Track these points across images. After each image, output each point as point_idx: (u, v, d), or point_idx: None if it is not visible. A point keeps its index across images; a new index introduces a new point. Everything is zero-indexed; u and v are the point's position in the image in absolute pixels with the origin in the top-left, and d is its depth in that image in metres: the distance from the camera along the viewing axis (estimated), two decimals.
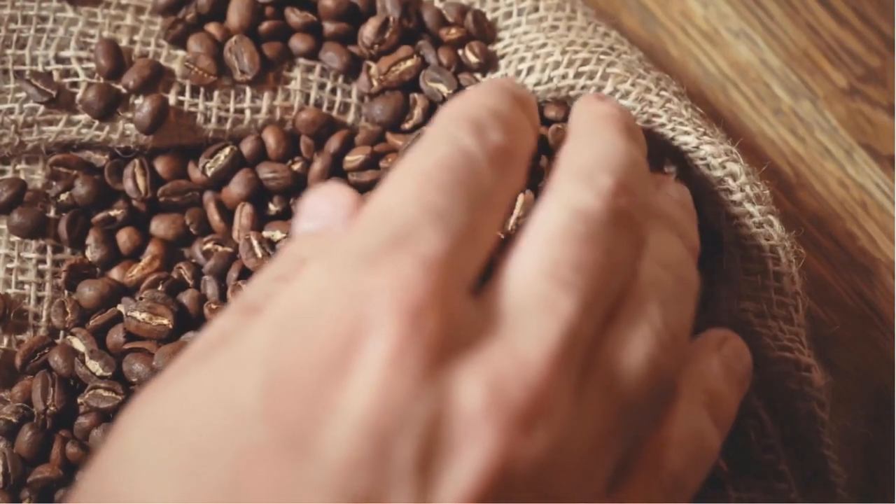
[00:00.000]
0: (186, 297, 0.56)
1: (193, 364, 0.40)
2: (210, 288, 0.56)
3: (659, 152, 0.57)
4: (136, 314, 0.54)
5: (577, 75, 0.58)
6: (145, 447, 0.38)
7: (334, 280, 0.38)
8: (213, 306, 0.55)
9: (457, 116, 0.43)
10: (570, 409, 0.39)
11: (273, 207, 0.58)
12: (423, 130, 0.42)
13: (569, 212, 0.42)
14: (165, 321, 0.54)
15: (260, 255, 0.56)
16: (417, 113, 0.58)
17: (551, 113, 0.59)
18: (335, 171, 0.58)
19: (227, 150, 0.58)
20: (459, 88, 0.58)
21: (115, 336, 0.55)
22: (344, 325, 0.37)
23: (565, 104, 0.59)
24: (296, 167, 0.58)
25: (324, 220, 0.45)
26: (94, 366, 0.54)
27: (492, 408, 0.37)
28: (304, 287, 0.39)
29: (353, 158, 0.58)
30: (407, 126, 0.58)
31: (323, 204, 0.45)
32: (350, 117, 0.60)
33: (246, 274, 0.56)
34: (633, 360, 0.42)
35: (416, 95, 0.58)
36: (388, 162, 0.57)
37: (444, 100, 0.58)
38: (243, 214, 0.58)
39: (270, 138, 0.58)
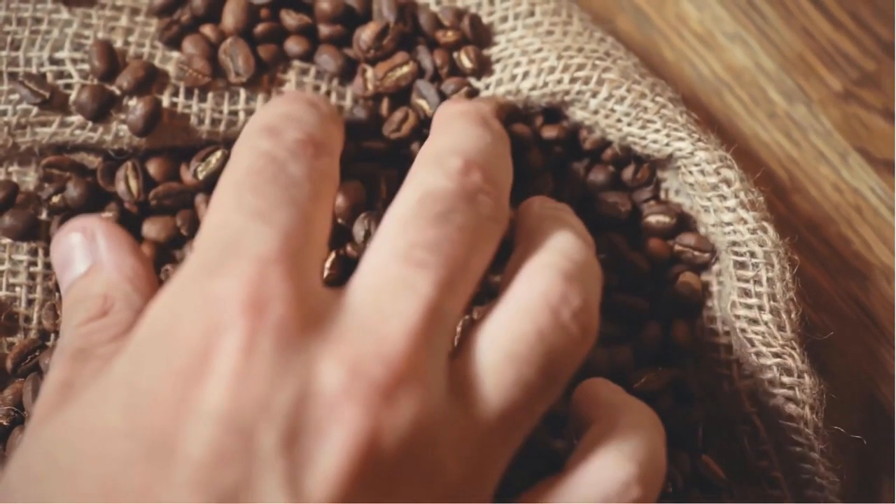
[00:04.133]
0: None
1: (66, 403, 0.42)
2: None
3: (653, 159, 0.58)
4: None
5: (573, 80, 0.58)
6: (24, 480, 0.40)
7: (182, 296, 0.40)
8: None
9: (253, 128, 0.45)
10: (436, 386, 0.40)
11: None
12: None
13: (419, 195, 0.43)
14: None
15: None
16: (406, 128, 0.58)
17: (550, 133, 0.59)
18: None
19: (218, 154, 0.58)
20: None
21: None
22: (197, 332, 0.39)
23: (562, 124, 0.59)
24: None
25: (86, 261, 0.48)
26: None
27: (353, 385, 0.38)
28: (155, 309, 0.41)
29: None
30: (393, 137, 0.58)
31: (76, 246, 0.49)
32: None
33: None
34: (509, 342, 0.42)
35: (408, 110, 0.58)
36: None
37: (426, 117, 0.58)
38: None
39: None
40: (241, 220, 0.42)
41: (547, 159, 0.59)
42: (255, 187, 0.42)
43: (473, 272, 0.43)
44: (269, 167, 0.43)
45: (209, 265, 0.41)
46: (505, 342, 0.42)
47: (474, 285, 0.43)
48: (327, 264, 0.56)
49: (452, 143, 0.46)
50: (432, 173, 0.44)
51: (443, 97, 0.58)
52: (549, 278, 0.44)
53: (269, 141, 0.44)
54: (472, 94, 0.59)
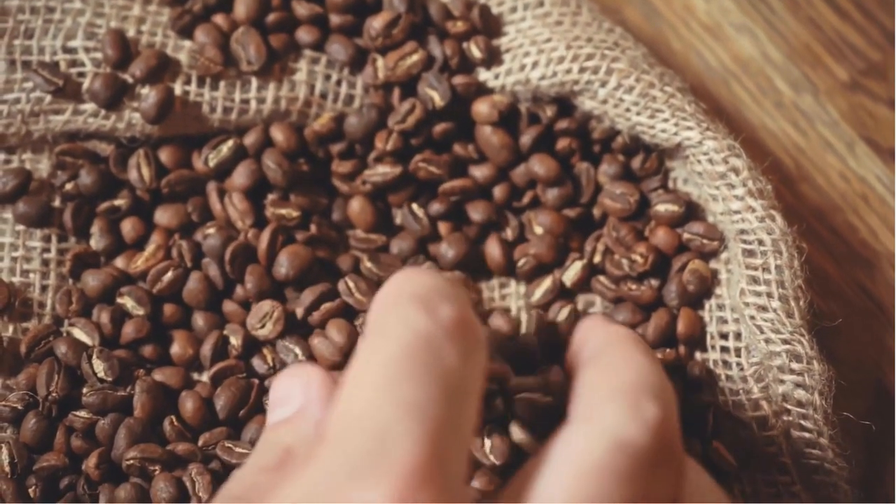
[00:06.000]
0: (192, 281, 0.57)
1: None
2: (212, 269, 0.57)
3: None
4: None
5: (582, 70, 0.58)
6: None
7: (317, 498, 0.36)
8: None
9: (401, 296, 0.40)
10: None
11: (271, 197, 0.59)
12: (372, 310, 0.41)
13: (611, 443, 0.38)
14: None
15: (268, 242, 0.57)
16: (411, 120, 0.58)
17: (548, 113, 0.59)
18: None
19: (230, 143, 0.58)
20: (453, 100, 0.58)
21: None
22: None
23: (557, 104, 0.59)
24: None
25: (297, 403, 0.43)
26: (99, 366, 0.54)
27: None
28: None
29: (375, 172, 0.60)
30: (398, 128, 0.58)
31: (294, 387, 0.44)
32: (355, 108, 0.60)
33: (247, 255, 0.57)
34: None
35: (415, 101, 0.58)
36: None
37: (434, 109, 0.58)
38: (235, 201, 0.58)
39: (279, 135, 0.59)
40: (391, 412, 0.37)
41: (561, 164, 0.59)
42: (409, 373, 0.37)
43: None
44: (425, 350, 0.38)
45: (351, 467, 0.36)
46: None
47: None
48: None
49: (641, 379, 0.40)
50: (627, 418, 0.38)
51: (454, 89, 0.59)
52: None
53: (424, 316, 0.39)
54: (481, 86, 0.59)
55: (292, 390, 0.43)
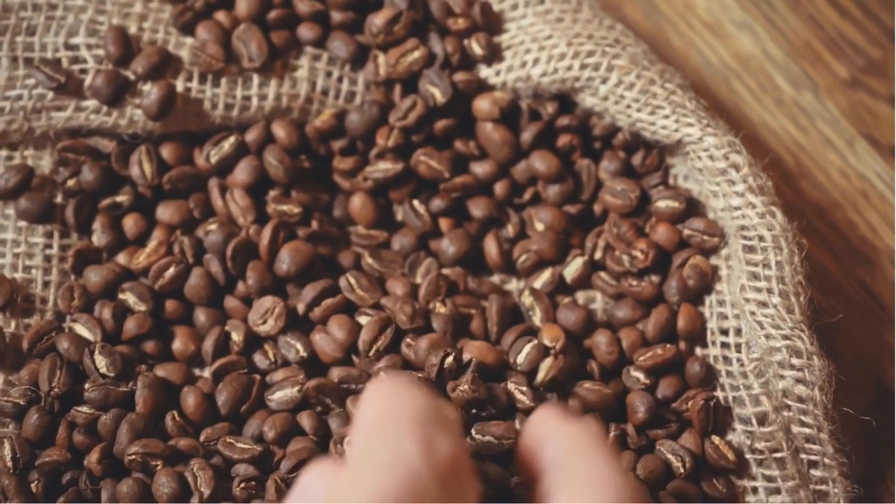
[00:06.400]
0: (193, 277, 0.57)
1: None
2: (214, 265, 0.57)
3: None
4: None
5: (583, 67, 0.58)
6: None
7: None
8: None
9: (396, 419, 0.38)
10: None
11: (273, 193, 0.59)
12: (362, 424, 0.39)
13: None
14: None
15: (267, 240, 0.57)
16: (412, 117, 0.59)
17: (549, 109, 0.59)
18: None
19: (231, 139, 0.59)
20: (454, 97, 0.59)
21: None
22: None
23: (558, 101, 0.60)
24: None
25: (314, 500, 0.40)
26: (101, 362, 0.54)
27: None
28: None
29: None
30: (399, 125, 0.59)
31: (315, 483, 0.40)
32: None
33: (249, 252, 0.57)
34: None
35: (416, 98, 0.59)
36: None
37: (435, 105, 0.59)
38: (237, 197, 0.58)
39: (280, 131, 0.59)
40: None
41: (562, 161, 0.60)
42: None
43: None
44: (413, 495, 0.36)
45: None
46: None
47: None
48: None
49: (611, 492, 0.38)
50: None
51: (455, 86, 0.59)
52: None
53: (419, 453, 0.37)
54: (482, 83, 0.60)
55: (315, 486, 0.40)
